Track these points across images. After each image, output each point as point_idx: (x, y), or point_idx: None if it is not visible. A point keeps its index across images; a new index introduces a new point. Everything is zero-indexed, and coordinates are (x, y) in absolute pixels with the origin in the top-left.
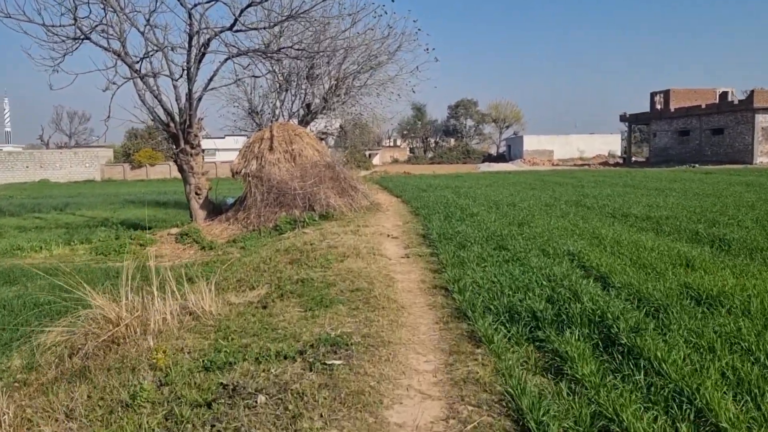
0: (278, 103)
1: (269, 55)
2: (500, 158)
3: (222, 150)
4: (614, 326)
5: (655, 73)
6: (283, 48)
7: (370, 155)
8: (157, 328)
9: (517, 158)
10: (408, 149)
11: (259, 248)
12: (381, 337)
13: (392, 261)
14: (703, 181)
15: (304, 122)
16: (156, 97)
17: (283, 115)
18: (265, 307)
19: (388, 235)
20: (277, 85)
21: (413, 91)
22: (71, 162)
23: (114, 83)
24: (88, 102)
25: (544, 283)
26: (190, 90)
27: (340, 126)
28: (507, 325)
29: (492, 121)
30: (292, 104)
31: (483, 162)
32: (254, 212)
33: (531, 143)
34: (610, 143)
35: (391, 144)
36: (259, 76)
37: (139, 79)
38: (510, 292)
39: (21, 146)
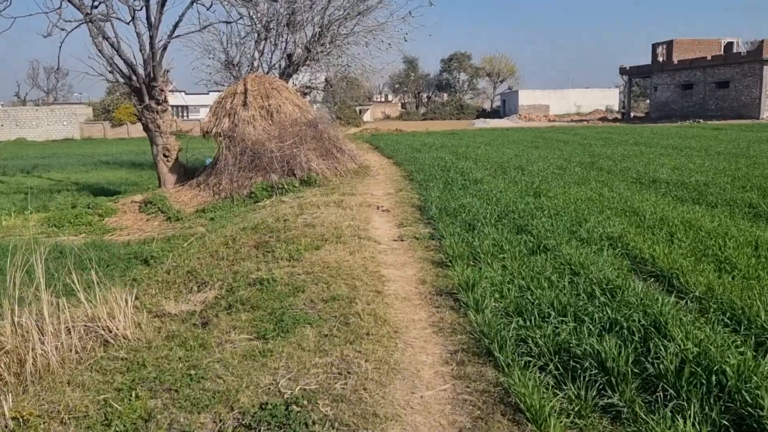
0: (257, 54)
1: None
2: (494, 114)
3: (205, 107)
4: (743, 397)
5: (656, 24)
6: None
7: (360, 111)
8: (44, 366)
9: (512, 114)
10: (400, 105)
11: (228, 222)
12: (363, 401)
13: (382, 247)
14: (718, 138)
15: (285, 75)
16: (112, 46)
17: (262, 67)
18: (205, 325)
19: (378, 207)
20: (255, 33)
21: (405, 40)
22: (48, 120)
23: (62, 29)
24: (67, 56)
25: (598, 295)
26: (152, 37)
27: (326, 80)
28: (561, 381)
29: (486, 76)
30: (271, 55)
31: (477, 118)
32: (226, 177)
33: (526, 98)
34: (608, 97)
35: (383, 99)
36: (230, 22)
37: (91, 24)
38: (554, 313)
39: (0, 103)
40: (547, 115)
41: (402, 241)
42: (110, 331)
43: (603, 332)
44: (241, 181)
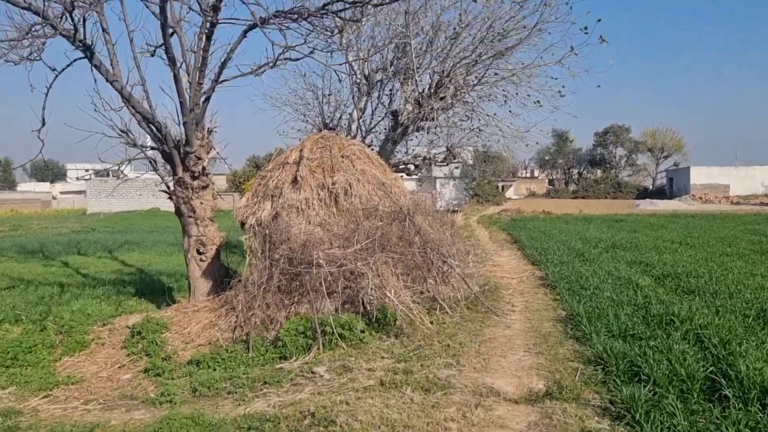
0: (356, 113)
1: (308, 16)
2: (659, 193)
3: None
4: None
5: None
6: (332, 2)
7: (503, 187)
8: None
9: (681, 194)
10: (547, 181)
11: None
12: None
13: None
14: None
15: (390, 141)
16: (120, 92)
17: (361, 131)
18: None
19: None
20: (355, 87)
21: (561, 94)
22: None
23: (53, 69)
24: (229, 129)
25: None
26: (176, 79)
27: (447, 149)
28: None
29: (647, 150)
30: (372, 113)
31: (638, 197)
32: (246, 303)
33: (700, 176)
34: None
35: (528, 175)
36: (299, 59)
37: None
38: None
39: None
40: (727, 195)
41: None
42: None
43: None
44: (272, 311)
